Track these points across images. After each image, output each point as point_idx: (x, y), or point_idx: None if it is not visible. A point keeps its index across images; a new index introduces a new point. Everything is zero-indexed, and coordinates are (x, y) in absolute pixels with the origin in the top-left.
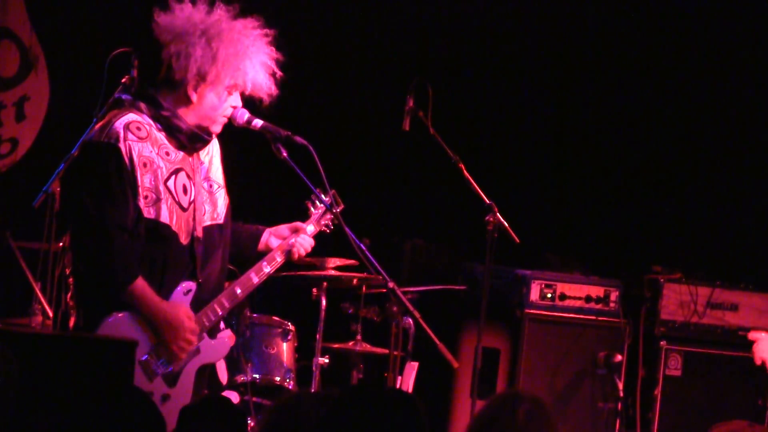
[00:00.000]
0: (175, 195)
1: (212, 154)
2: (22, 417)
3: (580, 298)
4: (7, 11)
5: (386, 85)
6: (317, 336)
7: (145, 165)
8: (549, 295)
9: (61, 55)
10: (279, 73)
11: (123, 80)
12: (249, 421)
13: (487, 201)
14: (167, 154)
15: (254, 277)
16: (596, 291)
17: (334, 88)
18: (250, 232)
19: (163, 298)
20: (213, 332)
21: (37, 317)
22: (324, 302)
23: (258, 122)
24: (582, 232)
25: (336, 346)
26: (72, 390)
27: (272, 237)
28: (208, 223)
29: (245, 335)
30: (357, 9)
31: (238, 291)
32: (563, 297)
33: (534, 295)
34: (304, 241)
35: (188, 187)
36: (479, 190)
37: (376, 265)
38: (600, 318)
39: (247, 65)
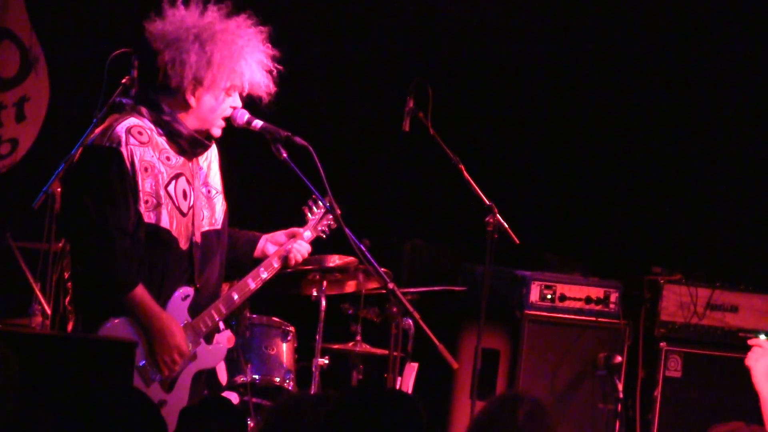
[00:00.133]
0: (175, 200)
1: (210, 159)
2: (23, 417)
3: (579, 299)
4: (7, 12)
5: (386, 86)
6: (317, 337)
7: (146, 170)
8: (549, 296)
9: (61, 55)
10: (277, 68)
11: (123, 81)
12: (249, 422)
13: (487, 202)
14: (168, 159)
15: (251, 283)
16: (596, 292)
17: (334, 89)
18: (247, 238)
19: (161, 303)
20: (210, 337)
21: (37, 318)
22: (324, 303)
23: (258, 123)
24: (582, 233)
25: (336, 346)
26: (72, 391)
27: (269, 243)
28: (206, 228)
29: (245, 336)
30: (357, 9)
31: (235, 297)
32: (563, 298)
33: (534, 296)
34: (300, 247)
35: (188, 192)
36: (479, 191)
37: (376, 265)
38: (600, 319)
39: (243, 66)
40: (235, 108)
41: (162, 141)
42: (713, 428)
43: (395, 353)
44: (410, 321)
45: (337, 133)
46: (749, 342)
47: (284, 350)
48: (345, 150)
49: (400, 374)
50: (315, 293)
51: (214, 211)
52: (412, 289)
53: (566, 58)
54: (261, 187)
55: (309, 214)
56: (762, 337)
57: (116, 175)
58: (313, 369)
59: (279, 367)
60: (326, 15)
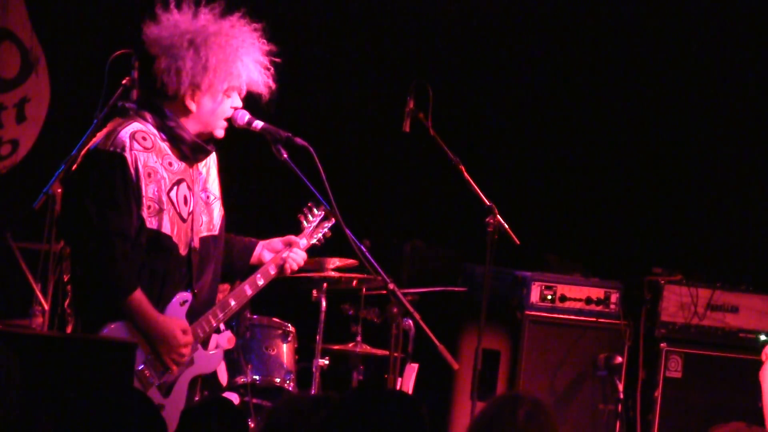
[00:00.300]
0: (176, 205)
1: (209, 165)
2: (23, 418)
3: (580, 300)
4: (7, 12)
5: (386, 87)
6: (317, 337)
7: (149, 175)
8: (549, 297)
9: (62, 56)
10: (275, 63)
11: (123, 81)
12: (249, 423)
13: (488, 202)
14: (170, 164)
15: (248, 290)
16: (596, 293)
17: (335, 90)
18: (243, 244)
19: (160, 309)
20: (206, 342)
21: (38, 318)
22: (324, 304)
23: (258, 123)
24: (582, 234)
25: (336, 347)
26: (72, 391)
27: (265, 250)
28: (204, 233)
29: (245, 336)
30: (357, 10)
31: (232, 303)
32: (563, 299)
33: (534, 296)
34: (296, 256)
35: (188, 198)
36: (479, 192)
37: (377, 266)
38: (600, 320)
39: (240, 67)
40: (235, 108)
41: (165, 146)
42: (714, 429)
43: (395, 354)
44: (411, 322)
45: (338, 133)
46: (764, 357)
47: (284, 351)
48: (345, 151)
49: (401, 375)
50: (315, 294)
51: (212, 217)
52: (412, 290)
53: (567, 58)
54: (259, 191)
55: (305, 222)
56: (762, 337)
57: (120, 180)
58: (314, 370)
59: (279, 367)
60: (326, 15)
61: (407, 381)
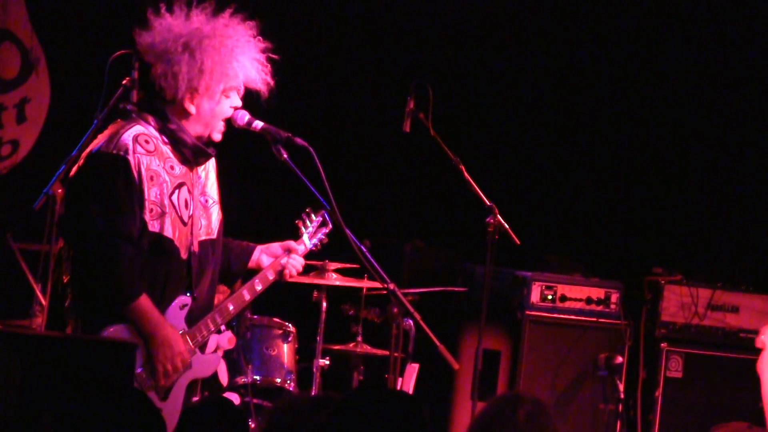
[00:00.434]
0: (178, 209)
1: (208, 169)
2: (23, 418)
3: (580, 300)
4: (8, 13)
5: (387, 87)
6: (318, 338)
7: (152, 178)
8: (549, 297)
9: (62, 56)
10: (272, 59)
11: (124, 82)
12: (250, 423)
13: (488, 202)
14: (172, 168)
15: (246, 294)
16: (597, 293)
17: (335, 90)
18: (241, 248)
19: (160, 312)
20: (204, 347)
21: (38, 319)
22: (324, 304)
23: (258, 124)
24: (583, 234)
25: (337, 347)
26: (73, 392)
27: (263, 255)
28: (203, 237)
29: (246, 337)
30: (358, 10)
31: (231, 307)
32: (564, 299)
33: (534, 296)
34: (295, 262)
35: (189, 202)
36: (480, 192)
37: (377, 267)
38: (601, 320)
39: (236, 66)
40: (235, 108)
41: (167, 150)
42: (714, 429)
43: (396, 354)
44: (411, 322)
45: (338, 133)
46: (758, 344)
47: (285, 351)
48: (345, 151)
49: (401, 375)
50: (316, 294)
51: (210, 221)
52: (412, 290)
53: (567, 59)
54: (258, 192)
55: (303, 228)
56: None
57: (123, 183)
58: (314, 370)
59: (280, 367)
60: (327, 15)
61: (408, 381)
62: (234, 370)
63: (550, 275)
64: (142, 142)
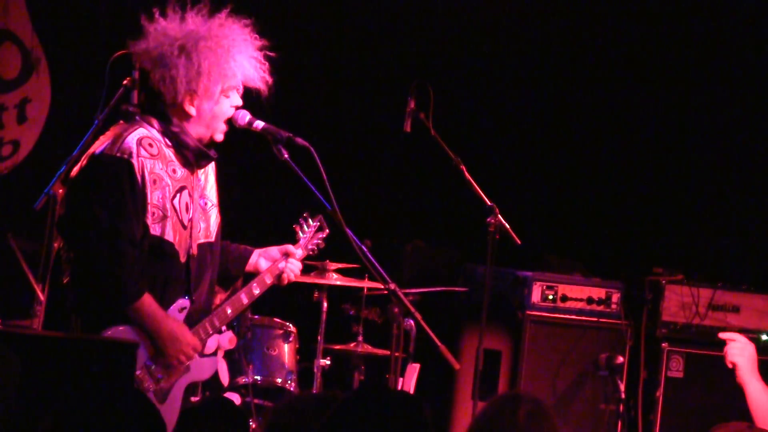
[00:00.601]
0: (179, 213)
1: (208, 172)
2: (23, 418)
3: (581, 300)
4: (8, 13)
5: (387, 87)
6: (318, 338)
7: (154, 182)
8: (550, 297)
9: (63, 57)
10: (271, 56)
11: (124, 82)
12: (251, 423)
13: (489, 202)
14: (174, 171)
15: (244, 298)
16: (598, 292)
17: (336, 90)
18: (239, 251)
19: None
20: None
21: (39, 319)
22: (325, 304)
23: (259, 124)
24: (583, 234)
25: (337, 347)
26: (73, 392)
27: (261, 259)
28: (202, 240)
29: (247, 337)
30: (358, 10)
31: (229, 311)
32: (564, 299)
33: (535, 296)
34: (293, 266)
35: (189, 205)
36: (480, 192)
37: (378, 267)
38: (601, 319)
39: (233, 66)
40: (236, 108)
41: (170, 153)
42: (715, 429)
43: (397, 353)
44: (412, 322)
45: (339, 134)
46: (721, 335)
47: (286, 351)
48: (346, 151)
49: (402, 375)
50: (317, 294)
51: (209, 224)
52: (413, 290)
53: (567, 59)
54: (258, 193)
55: (300, 233)
56: (764, 337)
57: (127, 187)
58: (315, 370)
59: (281, 368)
60: (327, 15)
61: (408, 381)
62: (235, 370)
63: (551, 275)
64: (146, 146)
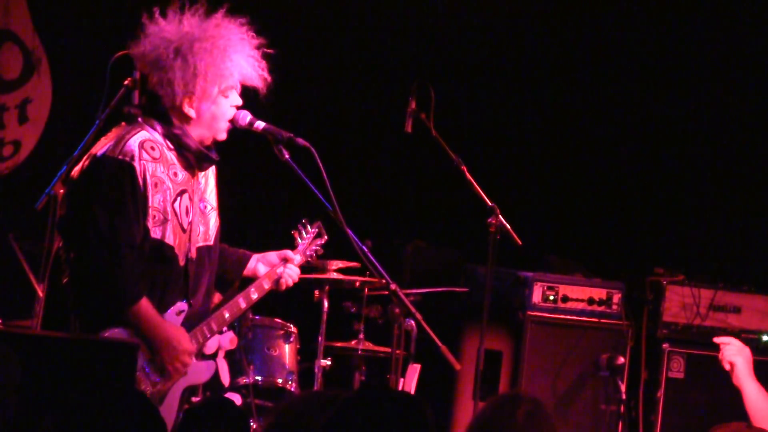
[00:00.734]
0: (179, 216)
1: (208, 175)
2: (24, 418)
3: (582, 300)
4: (10, 14)
5: (388, 88)
6: (319, 338)
7: (156, 185)
8: (551, 297)
9: (64, 57)
10: (269, 54)
11: (125, 82)
12: (251, 423)
13: (489, 203)
14: (175, 174)
15: (242, 302)
16: (598, 293)
17: (336, 90)
18: (237, 256)
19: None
20: (199, 354)
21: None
22: (326, 304)
23: (260, 124)
24: (584, 234)
25: (339, 344)
26: (74, 392)
27: (259, 263)
28: (200, 243)
29: (247, 337)
30: (359, 11)
31: (227, 315)
32: (565, 299)
33: (536, 297)
34: (292, 272)
35: (189, 209)
36: (481, 192)
37: (378, 267)
38: (602, 320)
39: (230, 65)
40: (237, 107)
41: (171, 156)
42: (715, 429)
43: (398, 351)
44: (413, 322)
45: (340, 134)
46: (715, 340)
47: (286, 351)
48: (347, 151)
49: (403, 375)
50: (317, 294)
51: (208, 227)
52: (414, 291)
53: (568, 59)
54: (258, 194)
55: (299, 239)
56: (765, 337)
57: (129, 189)
58: (316, 370)
59: (281, 368)
60: (328, 15)
61: (409, 381)
62: (235, 370)
63: (552, 276)
64: (148, 149)
